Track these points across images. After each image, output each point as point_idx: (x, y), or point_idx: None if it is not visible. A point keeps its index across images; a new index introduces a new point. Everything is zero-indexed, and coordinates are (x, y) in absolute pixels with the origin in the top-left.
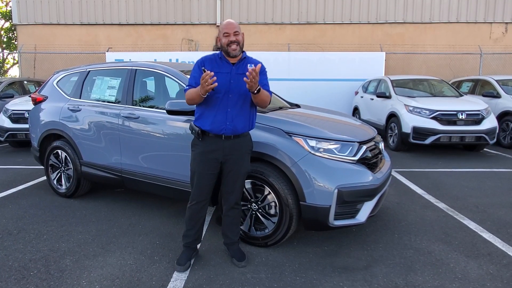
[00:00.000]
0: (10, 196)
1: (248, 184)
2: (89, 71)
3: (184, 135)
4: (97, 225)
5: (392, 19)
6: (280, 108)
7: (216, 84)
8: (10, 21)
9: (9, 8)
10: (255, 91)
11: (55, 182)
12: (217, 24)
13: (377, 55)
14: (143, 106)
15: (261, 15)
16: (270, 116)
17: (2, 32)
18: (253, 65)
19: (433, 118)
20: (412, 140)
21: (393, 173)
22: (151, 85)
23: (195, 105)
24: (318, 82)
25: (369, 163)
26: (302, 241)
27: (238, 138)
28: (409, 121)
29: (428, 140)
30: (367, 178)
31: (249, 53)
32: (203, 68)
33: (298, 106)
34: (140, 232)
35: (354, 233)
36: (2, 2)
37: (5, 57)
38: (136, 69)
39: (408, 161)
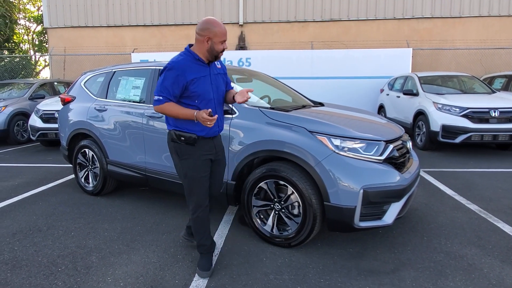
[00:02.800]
0: (41, 193)
1: (271, 183)
2: (115, 71)
3: None
4: (122, 223)
5: (419, 14)
6: (303, 106)
7: (215, 117)
8: (42, 24)
9: (40, 13)
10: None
11: (82, 180)
12: (239, 23)
13: (403, 51)
14: None
15: (283, 13)
16: (293, 114)
17: (34, 35)
18: (219, 63)
19: (464, 116)
20: (441, 139)
21: (422, 173)
22: None
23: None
24: (342, 80)
25: (396, 162)
26: (326, 243)
27: (219, 135)
28: (438, 119)
29: (459, 139)
30: (394, 178)
31: (271, 52)
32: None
33: (321, 104)
34: (164, 230)
35: (380, 235)
36: (34, 7)
37: (37, 59)
38: (160, 69)
39: (437, 161)
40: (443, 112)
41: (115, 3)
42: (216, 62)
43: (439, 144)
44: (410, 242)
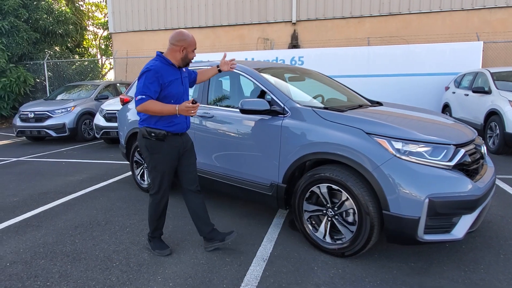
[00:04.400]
0: (102, 188)
1: (323, 188)
2: None
3: (257, 134)
4: (174, 221)
5: (492, 3)
6: (360, 106)
7: (198, 104)
8: (107, 30)
9: (106, 19)
10: None
11: (138, 177)
12: (292, 22)
13: (472, 45)
14: (218, 105)
15: (338, 9)
16: (348, 115)
17: (101, 40)
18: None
19: None
20: None
21: (496, 181)
22: (226, 84)
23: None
24: (401, 77)
25: (468, 169)
26: (384, 254)
27: (186, 132)
28: None
29: None
30: (465, 187)
31: (325, 50)
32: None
33: (380, 103)
34: None
35: (447, 250)
36: (101, 14)
37: (103, 62)
38: None
39: None
40: None
41: (173, 7)
42: (184, 68)
43: None
44: (483, 259)
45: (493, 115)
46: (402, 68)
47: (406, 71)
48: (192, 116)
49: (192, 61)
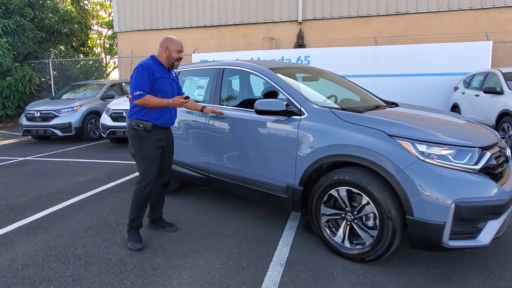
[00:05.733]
0: (110, 189)
1: (343, 191)
2: (180, 71)
3: (273, 135)
4: (186, 224)
5: (501, 2)
6: (377, 107)
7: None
8: (112, 29)
9: (111, 18)
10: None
11: None
12: (298, 21)
13: (482, 45)
14: (230, 105)
15: (345, 8)
16: (368, 116)
17: (105, 39)
18: (174, 73)
19: None
20: None
21: None
22: (235, 83)
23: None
24: (408, 77)
25: (493, 173)
26: (404, 260)
27: (170, 127)
28: None
29: None
30: (492, 191)
31: (331, 49)
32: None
33: (396, 104)
34: (227, 234)
35: (469, 255)
36: (105, 13)
37: (107, 61)
38: (224, 68)
39: None
40: None
41: (178, 6)
42: (172, 71)
43: None
44: (508, 266)
45: (506, 116)
46: (410, 68)
47: (413, 71)
48: (182, 107)
49: (179, 66)
